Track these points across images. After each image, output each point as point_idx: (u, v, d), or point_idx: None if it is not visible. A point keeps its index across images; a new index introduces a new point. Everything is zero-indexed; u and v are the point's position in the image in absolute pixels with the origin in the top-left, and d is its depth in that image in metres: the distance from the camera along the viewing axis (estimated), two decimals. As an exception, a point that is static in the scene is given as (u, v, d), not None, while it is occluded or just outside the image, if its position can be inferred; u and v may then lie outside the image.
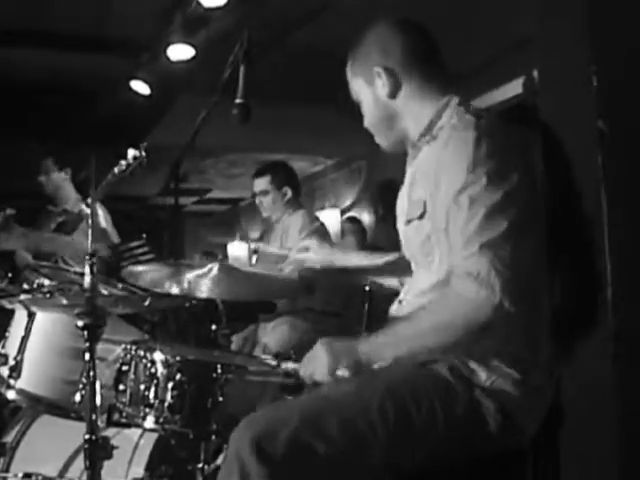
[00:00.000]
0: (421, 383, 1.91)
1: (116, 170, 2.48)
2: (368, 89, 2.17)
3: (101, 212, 4.96)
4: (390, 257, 2.50)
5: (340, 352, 1.98)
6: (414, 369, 1.95)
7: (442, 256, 1.98)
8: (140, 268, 2.72)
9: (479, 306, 1.76)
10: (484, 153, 1.84)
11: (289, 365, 2.26)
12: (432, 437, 1.88)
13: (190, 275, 2.64)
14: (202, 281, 2.60)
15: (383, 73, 2.11)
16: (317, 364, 2.00)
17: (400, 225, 2.19)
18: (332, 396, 1.95)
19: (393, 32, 2.15)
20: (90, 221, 2.42)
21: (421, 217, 2.02)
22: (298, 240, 4.25)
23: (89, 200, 4.72)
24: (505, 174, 1.83)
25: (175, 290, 2.55)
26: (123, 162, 2.47)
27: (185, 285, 2.59)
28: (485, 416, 1.88)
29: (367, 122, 2.24)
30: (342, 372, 1.98)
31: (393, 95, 2.13)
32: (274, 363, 2.33)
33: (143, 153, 2.45)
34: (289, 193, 4.63)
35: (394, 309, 2.19)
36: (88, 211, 4.75)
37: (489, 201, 1.81)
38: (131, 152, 2.47)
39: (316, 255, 2.58)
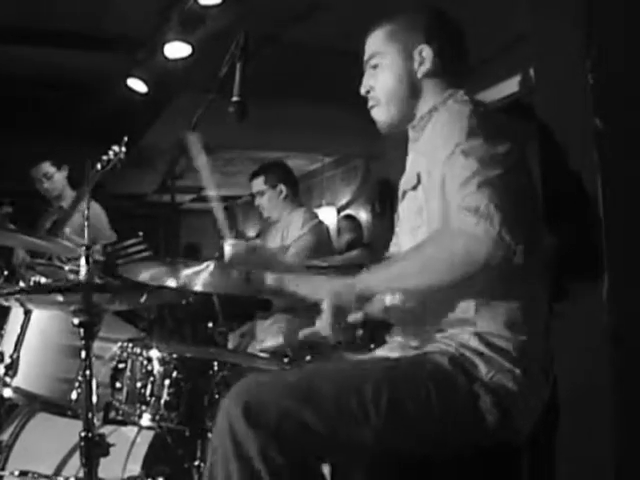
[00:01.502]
0: (419, 371, 1.89)
1: (98, 166, 2.48)
2: (401, 60, 2.15)
3: (97, 210, 4.97)
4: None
5: (339, 288, 1.96)
6: (414, 358, 1.95)
7: (430, 227, 1.98)
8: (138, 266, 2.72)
9: (479, 238, 1.70)
10: (477, 122, 1.86)
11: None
12: (426, 425, 1.87)
13: (187, 272, 2.64)
14: (199, 278, 2.61)
15: (430, 52, 2.11)
16: (326, 314, 1.98)
17: (399, 203, 2.19)
18: (327, 374, 1.94)
19: (441, 19, 2.17)
20: (86, 214, 2.42)
21: (414, 188, 2.03)
22: (299, 237, 4.26)
23: (82, 200, 4.72)
24: (498, 140, 1.83)
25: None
26: (104, 157, 2.48)
27: (182, 282, 2.59)
28: (482, 410, 1.88)
29: (378, 90, 2.20)
30: (355, 317, 1.99)
31: (428, 75, 2.12)
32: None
33: (123, 148, 2.46)
34: (284, 190, 4.63)
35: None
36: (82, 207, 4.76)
37: (484, 153, 1.80)
38: (112, 149, 2.48)
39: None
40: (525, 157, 1.95)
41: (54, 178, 5.21)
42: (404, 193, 2.12)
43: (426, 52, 2.11)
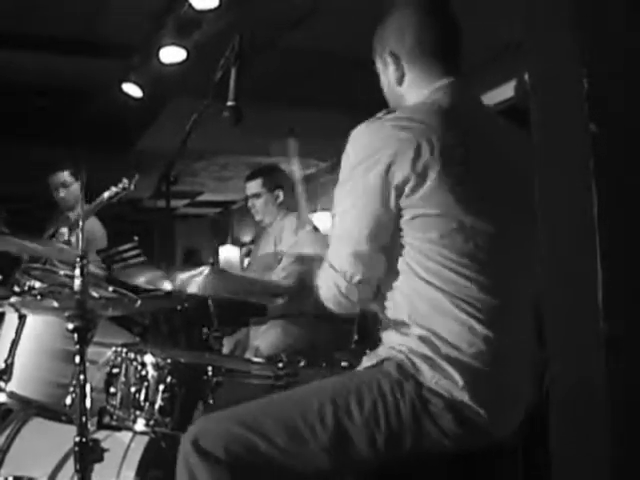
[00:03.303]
0: (366, 383, 1.88)
1: (106, 195, 2.52)
2: (384, 72, 2.18)
3: (96, 227, 4.97)
4: None
5: None
6: (365, 371, 1.95)
7: None
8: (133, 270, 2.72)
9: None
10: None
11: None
12: (375, 435, 1.84)
13: (181, 277, 2.65)
14: (193, 283, 2.61)
15: (390, 59, 2.12)
16: None
17: None
18: (274, 401, 1.97)
19: (412, 18, 2.12)
20: (80, 226, 2.43)
21: None
22: (292, 242, 4.26)
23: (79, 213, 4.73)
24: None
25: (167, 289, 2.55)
26: (113, 189, 2.51)
27: (177, 287, 2.59)
28: (434, 414, 1.85)
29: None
30: None
31: (400, 82, 2.13)
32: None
33: (132, 186, 2.50)
34: (281, 196, 4.63)
35: None
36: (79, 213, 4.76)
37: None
38: (122, 182, 2.51)
39: (309, 247, 2.60)
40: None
41: (71, 188, 5.20)
42: None
43: (390, 59, 2.12)
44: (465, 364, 1.87)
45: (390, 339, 1.97)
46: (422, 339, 1.89)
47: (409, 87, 2.13)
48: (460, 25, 2.18)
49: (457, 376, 1.86)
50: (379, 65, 2.20)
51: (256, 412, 1.89)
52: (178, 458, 1.87)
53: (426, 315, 1.90)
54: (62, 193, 5.20)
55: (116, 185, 2.47)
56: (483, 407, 1.88)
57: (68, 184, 5.19)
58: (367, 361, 1.99)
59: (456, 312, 1.89)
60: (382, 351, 1.97)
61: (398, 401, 1.85)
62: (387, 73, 2.16)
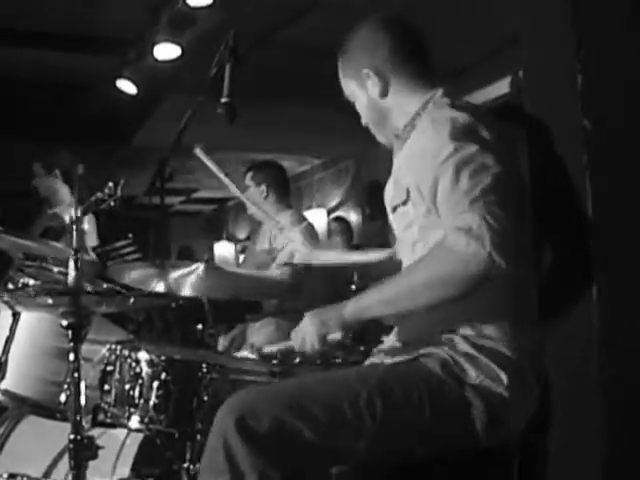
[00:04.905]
0: (413, 378, 1.90)
1: (93, 199, 2.50)
2: (361, 91, 2.18)
3: (87, 223, 4.95)
4: (375, 255, 2.51)
5: (327, 318, 1.99)
6: (407, 365, 1.95)
7: (425, 242, 1.98)
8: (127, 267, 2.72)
9: (468, 259, 1.73)
10: (461, 124, 1.86)
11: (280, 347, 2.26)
12: (418, 430, 1.88)
13: (176, 274, 2.64)
14: (187, 280, 2.60)
15: (372, 74, 2.12)
16: (307, 334, 2.01)
17: (390, 216, 2.20)
18: (321, 383, 1.96)
19: (378, 32, 2.15)
20: (74, 226, 2.42)
21: (404, 203, 2.03)
22: (288, 239, 4.25)
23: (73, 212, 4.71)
24: (483, 139, 1.85)
25: (161, 289, 2.55)
26: (100, 194, 2.49)
27: (171, 284, 2.59)
28: (473, 416, 1.88)
29: (364, 121, 2.24)
30: (333, 336, 1.99)
31: (384, 94, 2.13)
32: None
33: (119, 192, 2.47)
34: (265, 191, 4.63)
35: None
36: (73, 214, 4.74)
37: (472, 164, 1.80)
38: (108, 186, 2.49)
39: (300, 248, 2.61)
40: (515, 158, 1.95)
41: (42, 180, 5.19)
42: (394, 208, 2.11)
43: (370, 74, 2.12)
44: (510, 362, 1.90)
45: (429, 334, 1.97)
46: (466, 337, 1.91)
47: (395, 96, 2.13)
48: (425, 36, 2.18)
49: (502, 375, 1.88)
50: (352, 88, 2.21)
51: (303, 395, 1.88)
52: (213, 429, 1.85)
53: (472, 312, 1.92)
54: (35, 181, 5.19)
55: (102, 191, 2.45)
56: (518, 407, 1.92)
57: (37, 175, 5.18)
58: (400, 354, 1.99)
59: (505, 310, 1.92)
60: (419, 346, 1.97)
61: (442, 401, 1.88)
62: (365, 92, 2.16)
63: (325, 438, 1.83)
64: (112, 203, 2.47)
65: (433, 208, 1.90)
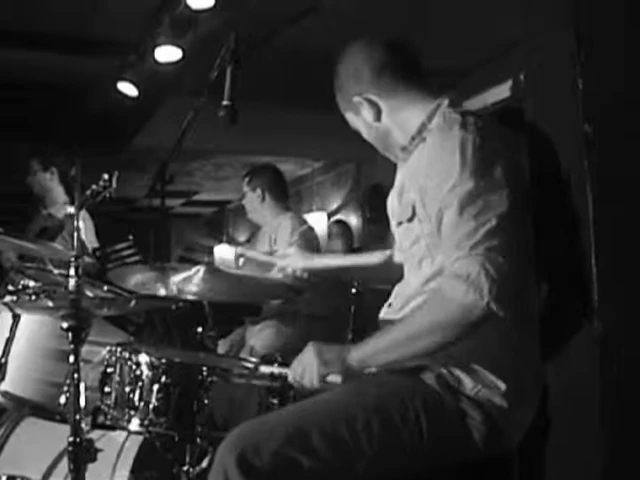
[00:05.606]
0: (409, 396, 1.91)
1: (88, 192, 2.49)
2: (358, 119, 2.18)
3: (82, 220, 4.94)
4: (375, 257, 2.51)
5: (330, 358, 1.97)
6: (403, 380, 1.95)
7: (432, 258, 1.98)
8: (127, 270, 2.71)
9: (467, 308, 1.75)
10: (470, 152, 1.84)
11: (274, 370, 2.26)
12: (417, 448, 1.88)
13: (177, 277, 2.64)
14: (189, 283, 2.60)
15: (362, 101, 2.11)
16: (306, 369, 2.00)
17: (393, 227, 2.19)
18: (318, 409, 1.95)
19: (358, 57, 2.13)
20: (75, 225, 2.41)
21: (410, 220, 2.02)
22: (289, 242, 4.25)
23: (71, 209, 4.71)
24: (491, 172, 1.83)
25: (162, 292, 2.55)
26: (94, 187, 2.48)
27: (172, 287, 2.59)
28: (469, 427, 1.88)
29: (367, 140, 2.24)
30: (332, 378, 1.98)
31: (377, 118, 2.12)
32: (254, 366, 2.33)
33: (114, 183, 2.46)
34: (261, 195, 4.63)
35: (383, 313, 2.19)
36: (70, 210, 4.74)
37: (478, 202, 1.80)
38: (102, 178, 2.48)
39: (297, 263, 2.61)
40: (519, 166, 1.95)
41: (37, 177, 5.19)
42: (399, 223, 2.11)
43: (361, 102, 2.12)
44: (507, 371, 1.91)
45: None
46: (463, 349, 1.90)
47: (392, 116, 2.12)
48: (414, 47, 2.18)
49: (500, 382, 1.89)
50: (351, 119, 2.22)
51: (301, 425, 1.87)
52: (214, 466, 1.85)
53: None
54: (29, 178, 5.19)
55: (97, 184, 2.44)
56: (516, 416, 1.93)
57: (35, 172, 5.18)
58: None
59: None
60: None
61: (439, 417, 1.89)
62: (363, 119, 2.16)
63: (325, 465, 1.84)
64: (107, 195, 2.46)
65: (437, 235, 1.90)
